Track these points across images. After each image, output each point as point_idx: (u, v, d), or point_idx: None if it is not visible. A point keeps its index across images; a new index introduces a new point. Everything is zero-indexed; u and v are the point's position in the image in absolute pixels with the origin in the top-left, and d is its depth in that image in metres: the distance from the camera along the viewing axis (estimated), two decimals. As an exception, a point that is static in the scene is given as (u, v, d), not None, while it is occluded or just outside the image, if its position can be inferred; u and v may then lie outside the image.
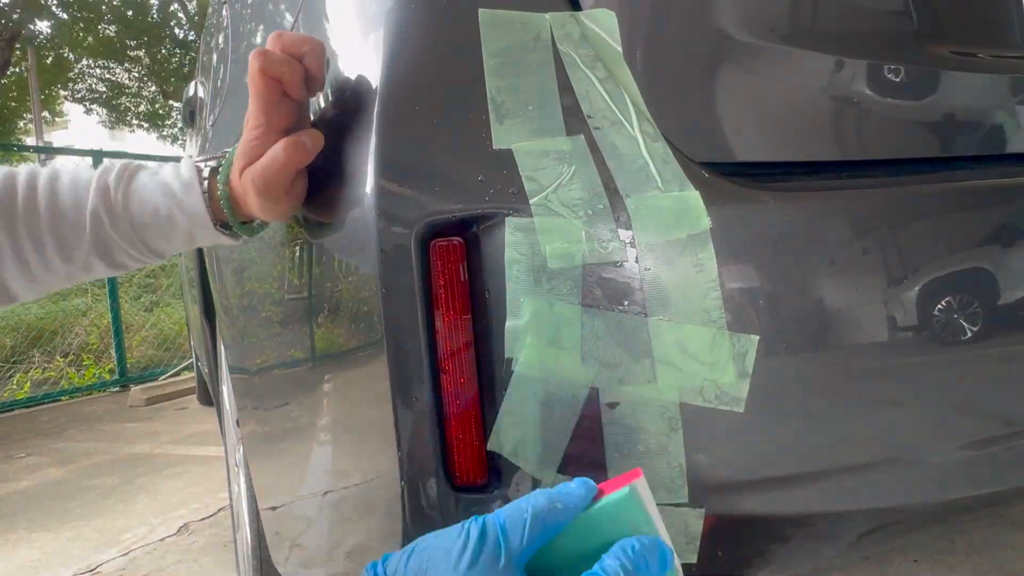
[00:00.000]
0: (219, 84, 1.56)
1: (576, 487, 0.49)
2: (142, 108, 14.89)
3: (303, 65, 0.62)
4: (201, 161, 0.71)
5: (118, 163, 0.71)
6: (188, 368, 4.96)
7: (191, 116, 2.22)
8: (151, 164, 0.73)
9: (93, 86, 14.27)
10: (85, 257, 0.69)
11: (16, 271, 0.68)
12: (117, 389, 4.95)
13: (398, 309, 0.58)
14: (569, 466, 0.58)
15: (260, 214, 0.67)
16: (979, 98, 0.73)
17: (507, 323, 0.57)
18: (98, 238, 0.68)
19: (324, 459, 0.79)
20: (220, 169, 0.69)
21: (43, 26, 12.05)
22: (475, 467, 0.59)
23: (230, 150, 0.68)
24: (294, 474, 0.90)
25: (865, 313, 0.61)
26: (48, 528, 2.32)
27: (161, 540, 2.13)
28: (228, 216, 0.69)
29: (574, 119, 0.60)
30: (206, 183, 0.69)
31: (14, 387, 4.98)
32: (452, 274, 0.58)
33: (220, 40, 1.61)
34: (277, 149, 0.62)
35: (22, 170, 0.69)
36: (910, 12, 0.72)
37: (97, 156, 5.01)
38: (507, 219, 0.57)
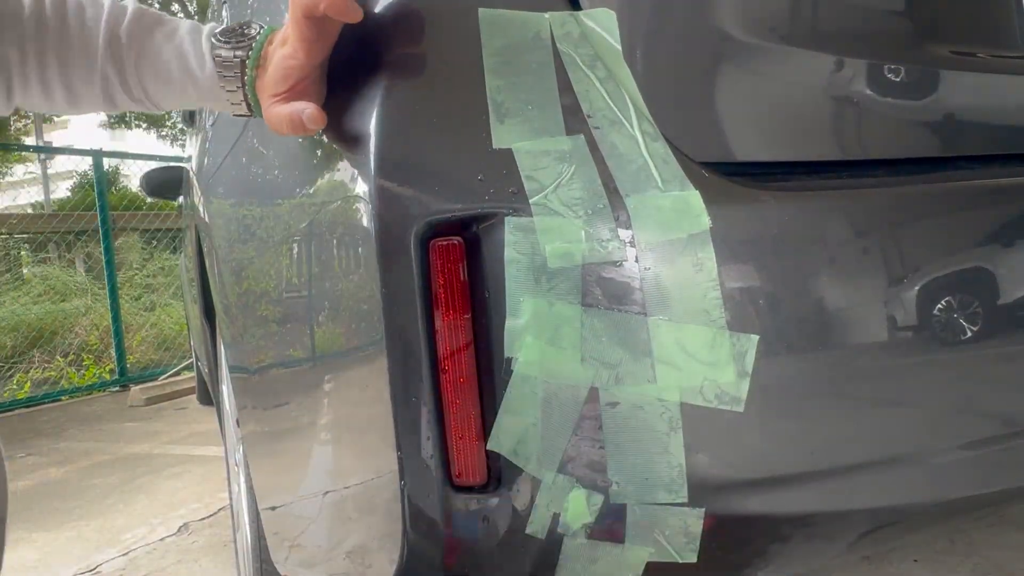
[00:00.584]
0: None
1: None
2: (142, 108, 14.88)
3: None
4: (222, 44, 0.66)
5: (129, 5, 0.69)
6: (188, 368, 4.96)
7: (191, 116, 2.22)
8: (167, 19, 0.70)
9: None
10: (88, 96, 0.70)
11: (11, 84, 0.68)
12: (117, 389, 4.95)
13: (398, 309, 0.58)
14: (569, 465, 0.58)
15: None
16: (979, 98, 0.73)
17: (507, 323, 0.57)
18: (107, 93, 0.70)
19: (324, 459, 0.79)
20: (248, 64, 0.65)
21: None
22: (475, 467, 0.59)
23: (258, 37, 0.65)
24: (294, 474, 0.90)
25: (865, 313, 0.61)
26: (48, 528, 2.32)
27: (161, 540, 2.13)
28: (253, 106, 0.67)
29: (574, 119, 0.60)
30: (228, 70, 0.66)
31: (14, 387, 4.98)
32: (452, 274, 0.58)
33: (220, 40, 1.61)
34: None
35: None
36: (910, 12, 0.72)
37: (97, 156, 5.01)
38: (507, 219, 0.57)
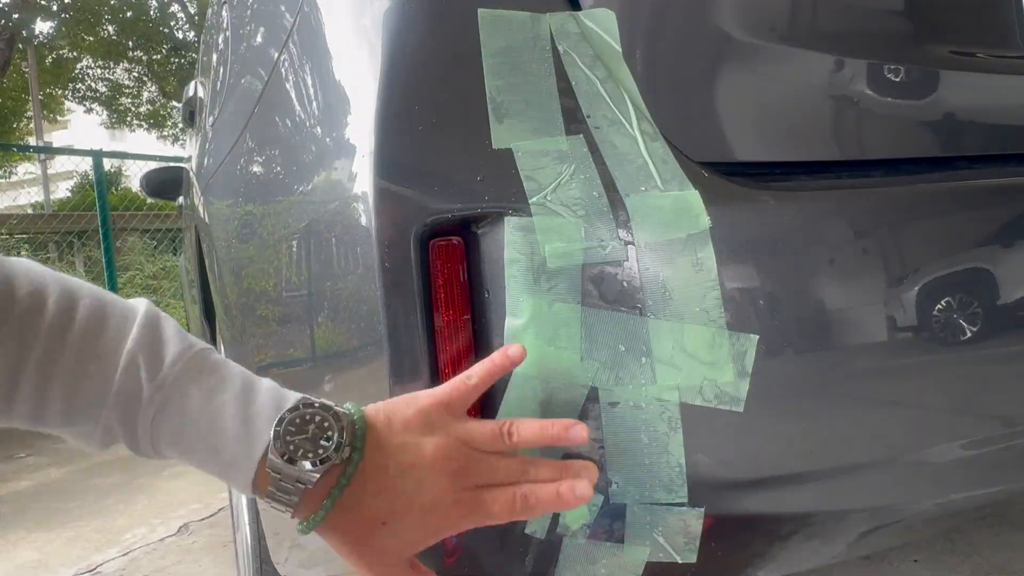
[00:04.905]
0: (219, 84, 1.56)
1: None
2: (143, 108, 14.92)
3: None
4: (289, 450, 0.48)
5: (170, 343, 0.51)
6: (188, 368, 4.95)
7: (191, 116, 2.22)
8: (216, 368, 0.51)
9: (93, 86, 14.31)
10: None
11: None
12: (117, 389, 4.95)
13: (398, 309, 0.58)
14: (569, 466, 0.58)
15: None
16: (979, 98, 0.73)
17: (507, 323, 0.57)
18: (103, 441, 0.54)
19: (324, 459, 0.79)
20: (331, 494, 0.50)
21: (44, 27, 12.10)
22: (475, 467, 0.59)
23: (352, 456, 0.50)
24: (294, 474, 0.89)
25: (865, 313, 0.61)
26: (48, 528, 2.32)
27: (161, 540, 2.13)
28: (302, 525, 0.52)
29: (573, 119, 0.60)
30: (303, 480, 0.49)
31: (14, 387, 4.97)
32: (452, 274, 0.58)
33: (220, 40, 1.61)
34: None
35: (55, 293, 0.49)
36: (910, 12, 0.72)
37: (97, 156, 5.01)
38: (506, 219, 0.57)
